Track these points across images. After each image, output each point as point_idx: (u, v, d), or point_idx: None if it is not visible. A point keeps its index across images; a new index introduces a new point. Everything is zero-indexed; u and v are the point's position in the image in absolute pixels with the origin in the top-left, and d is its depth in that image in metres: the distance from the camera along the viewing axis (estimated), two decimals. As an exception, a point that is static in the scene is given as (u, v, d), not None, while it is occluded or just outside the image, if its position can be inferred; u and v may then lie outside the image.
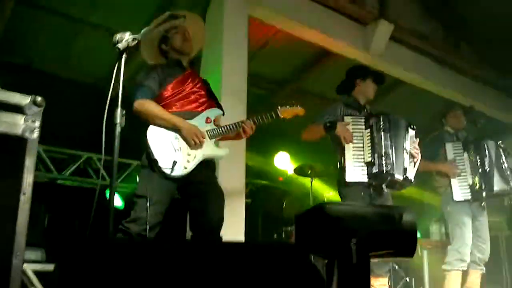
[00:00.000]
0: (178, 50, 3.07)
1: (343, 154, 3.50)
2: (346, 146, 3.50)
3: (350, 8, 5.53)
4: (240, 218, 4.00)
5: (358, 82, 3.85)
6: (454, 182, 4.23)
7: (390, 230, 1.77)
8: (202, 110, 3.00)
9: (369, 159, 3.45)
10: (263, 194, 7.70)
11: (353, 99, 3.85)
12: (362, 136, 3.55)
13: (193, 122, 2.91)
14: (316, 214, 1.89)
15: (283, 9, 4.89)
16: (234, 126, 3.00)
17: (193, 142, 2.82)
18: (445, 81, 6.64)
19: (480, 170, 4.21)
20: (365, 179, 3.45)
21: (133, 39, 2.23)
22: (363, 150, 3.50)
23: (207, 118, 3.00)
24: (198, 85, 3.06)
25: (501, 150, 4.35)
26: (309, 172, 5.69)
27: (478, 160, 4.24)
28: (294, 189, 7.44)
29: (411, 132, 3.68)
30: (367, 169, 3.45)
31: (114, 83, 2.13)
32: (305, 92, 7.16)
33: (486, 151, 4.29)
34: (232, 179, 4.07)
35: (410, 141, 3.64)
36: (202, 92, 3.07)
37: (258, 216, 7.10)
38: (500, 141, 4.39)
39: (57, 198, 6.11)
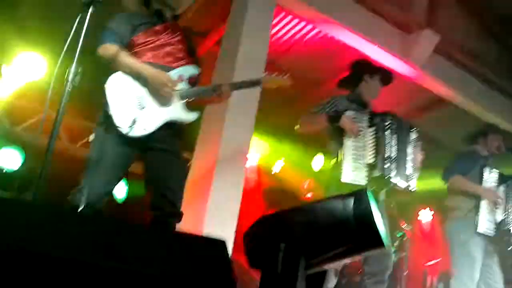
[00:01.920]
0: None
1: (342, 151, 3.16)
2: (347, 143, 3.15)
3: (394, 13, 5.17)
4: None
5: (366, 78, 3.47)
6: (484, 209, 3.76)
7: (332, 225, 1.47)
8: (177, 67, 2.72)
9: (371, 161, 3.10)
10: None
11: (357, 95, 3.49)
12: (365, 134, 3.18)
13: None
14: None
15: (317, 2, 4.59)
16: (209, 89, 2.75)
17: (164, 90, 2.55)
18: (490, 104, 6.13)
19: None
20: (363, 182, 3.08)
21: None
22: (365, 150, 3.13)
23: (180, 76, 2.70)
24: (177, 39, 2.79)
25: None
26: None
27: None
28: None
29: (413, 135, 3.34)
30: (368, 172, 3.10)
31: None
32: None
33: None
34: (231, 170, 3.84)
35: (413, 145, 3.31)
36: (181, 47, 2.79)
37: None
38: None
39: None
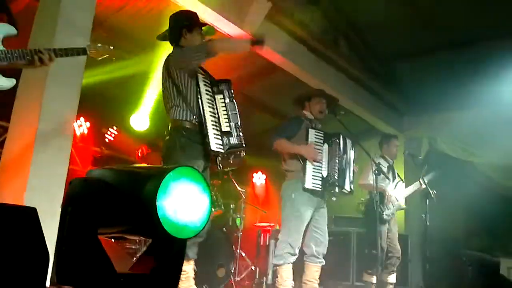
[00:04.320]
0: None
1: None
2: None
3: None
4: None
5: (185, 33, 3.37)
6: (309, 169, 4.01)
7: (115, 197, 1.39)
8: None
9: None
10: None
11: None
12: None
13: None
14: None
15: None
16: (29, 53, 2.42)
17: None
18: (318, 73, 6.58)
19: (337, 165, 4.09)
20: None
21: None
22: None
23: None
24: None
25: (353, 151, 4.32)
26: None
27: (337, 155, 4.11)
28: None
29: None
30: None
31: None
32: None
33: (347, 148, 4.23)
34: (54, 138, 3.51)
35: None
36: None
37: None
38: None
39: None
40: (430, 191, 5.38)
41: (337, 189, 4.10)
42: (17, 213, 1.47)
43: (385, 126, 8.27)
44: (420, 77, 7.59)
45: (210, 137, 3.12)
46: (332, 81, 6.83)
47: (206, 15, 5.12)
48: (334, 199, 4.20)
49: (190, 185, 1.81)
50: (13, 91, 3.74)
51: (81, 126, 6.72)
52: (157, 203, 1.45)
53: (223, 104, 3.32)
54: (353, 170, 4.30)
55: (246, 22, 5.30)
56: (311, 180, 3.99)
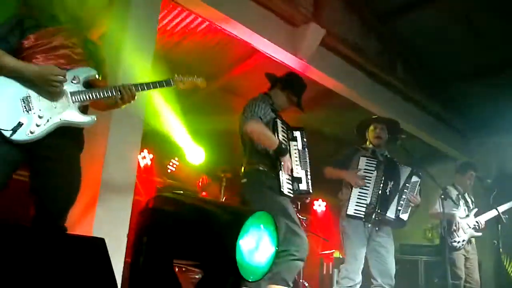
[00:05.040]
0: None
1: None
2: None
3: (282, 7, 5.23)
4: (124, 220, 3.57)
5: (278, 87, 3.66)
6: (353, 195, 3.98)
7: (196, 233, 1.40)
8: (71, 68, 2.47)
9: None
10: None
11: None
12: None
13: None
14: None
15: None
16: (108, 91, 2.49)
17: (52, 87, 2.31)
18: (375, 97, 6.49)
19: (380, 191, 3.96)
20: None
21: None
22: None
23: (75, 77, 2.45)
24: (73, 41, 2.54)
25: (411, 179, 4.13)
26: (222, 175, 5.33)
27: (382, 180, 3.99)
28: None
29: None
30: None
31: None
32: (231, 91, 6.85)
33: (394, 174, 4.07)
34: (119, 171, 3.64)
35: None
36: (78, 51, 2.54)
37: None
38: (416, 171, 4.17)
39: None
40: (502, 216, 5.10)
41: (374, 216, 3.94)
42: (87, 243, 1.53)
43: (449, 149, 7.99)
44: (485, 98, 7.30)
45: (283, 182, 3.22)
46: (390, 105, 6.71)
47: (261, 44, 5.22)
48: (377, 228, 4.02)
49: (262, 228, 1.89)
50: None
51: (145, 158, 6.95)
52: (237, 246, 1.47)
53: (296, 151, 3.48)
54: (407, 197, 4.09)
55: (300, 49, 5.34)
56: (354, 206, 3.96)
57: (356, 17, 6.41)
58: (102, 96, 2.49)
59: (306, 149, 3.56)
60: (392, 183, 4.03)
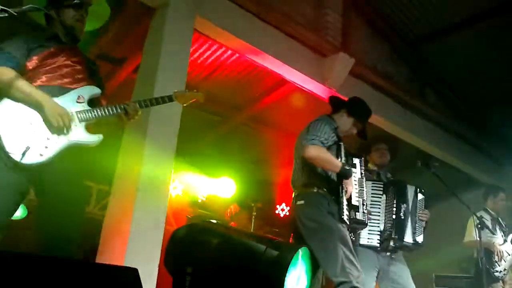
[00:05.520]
0: (66, 26, 2.60)
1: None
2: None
3: (310, 37, 5.30)
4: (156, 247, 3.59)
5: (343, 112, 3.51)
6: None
7: (242, 267, 1.40)
8: (76, 88, 2.51)
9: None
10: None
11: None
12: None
13: (61, 99, 2.43)
14: (173, 234, 1.56)
15: (233, 28, 4.60)
16: (113, 109, 2.52)
17: (57, 124, 2.33)
18: (405, 124, 6.42)
19: (395, 216, 3.75)
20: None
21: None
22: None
23: (80, 96, 2.48)
24: (76, 60, 2.58)
25: (417, 198, 3.92)
26: (252, 205, 5.33)
27: (395, 204, 3.78)
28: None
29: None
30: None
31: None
32: (261, 121, 6.90)
33: (407, 196, 3.85)
34: (152, 200, 3.69)
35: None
36: (80, 68, 2.57)
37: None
38: (420, 188, 3.97)
39: None
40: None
41: (392, 243, 3.72)
42: (120, 273, 1.54)
43: (484, 176, 7.78)
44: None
45: (343, 208, 3.13)
46: (421, 132, 6.62)
47: (291, 74, 5.28)
48: (393, 256, 3.78)
49: (301, 262, 1.89)
50: (114, 157, 4.07)
51: (176, 189, 7.03)
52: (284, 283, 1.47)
53: (355, 178, 3.31)
54: (418, 217, 3.86)
55: (329, 78, 5.36)
56: (366, 235, 3.74)
57: (385, 45, 6.43)
58: (108, 113, 2.51)
59: (364, 178, 3.40)
60: (405, 205, 3.82)
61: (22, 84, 2.33)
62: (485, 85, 6.66)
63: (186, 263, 1.37)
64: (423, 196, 3.96)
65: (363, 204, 3.27)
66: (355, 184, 3.27)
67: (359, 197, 3.26)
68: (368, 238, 3.72)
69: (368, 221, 3.43)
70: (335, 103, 3.61)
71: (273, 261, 1.45)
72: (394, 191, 3.85)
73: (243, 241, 1.51)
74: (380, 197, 3.84)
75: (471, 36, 5.93)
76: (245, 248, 1.48)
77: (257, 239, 1.63)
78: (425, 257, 3.90)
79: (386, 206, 3.81)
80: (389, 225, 3.74)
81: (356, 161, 3.38)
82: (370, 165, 4.13)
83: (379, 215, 3.79)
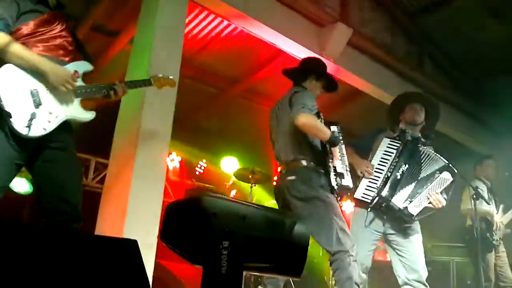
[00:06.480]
0: None
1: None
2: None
3: (308, 7, 5.22)
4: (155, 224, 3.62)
5: (311, 78, 3.38)
6: (364, 180, 3.53)
7: (275, 239, 1.43)
8: (70, 61, 2.48)
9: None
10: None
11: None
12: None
13: None
14: (191, 206, 1.56)
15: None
16: (105, 87, 2.58)
17: (65, 89, 2.35)
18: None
19: (390, 173, 3.49)
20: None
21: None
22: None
23: (75, 71, 2.46)
24: (66, 31, 2.53)
25: (439, 174, 3.50)
26: (250, 177, 5.33)
27: (396, 162, 3.51)
28: (238, 195, 7.05)
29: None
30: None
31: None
32: (257, 93, 6.86)
33: (419, 161, 3.52)
34: (149, 173, 3.70)
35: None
36: (70, 39, 2.54)
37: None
38: (451, 167, 3.49)
39: None
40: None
41: (378, 200, 3.47)
42: (119, 245, 1.55)
43: (481, 147, 7.80)
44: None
45: (332, 178, 3.15)
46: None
47: (287, 45, 5.22)
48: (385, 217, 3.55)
49: None
50: (111, 130, 4.05)
51: (173, 161, 7.03)
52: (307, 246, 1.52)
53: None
54: (428, 192, 3.47)
55: (327, 49, 5.31)
56: (363, 190, 3.54)
57: (384, 16, 6.35)
58: (101, 91, 2.58)
59: (343, 145, 3.32)
60: (406, 166, 3.50)
61: (18, 49, 2.27)
62: (484, 55, 6.60)
63: (219, 237, 1.36)
64: (451, 178, 3.52)
65: (346, 170, 3.28)
66: (338, 152, 3.25)
67: (342, 164, 3.27)
68: (363, 194, 3.53)
69: (369, 176, 3.50)
70: (300, 73, 3.44)
71: (299, 232, 1.49)
72: (405, 150, 3.57)
73: (267, 214, 1.53)
74: (391, 155, 3.58)
75: (471, 3, 5.85)
76: (270, 220, 1.50)
77: (274, 211, 1.64)
78: (421, 228, 3.81)
79: (390, 164, 3.56)
80: (383, 182, 3.51)
81: (333, 128, 3.31)
82: (401, 124, 3.78)
83: (382, 172, 3.55)
